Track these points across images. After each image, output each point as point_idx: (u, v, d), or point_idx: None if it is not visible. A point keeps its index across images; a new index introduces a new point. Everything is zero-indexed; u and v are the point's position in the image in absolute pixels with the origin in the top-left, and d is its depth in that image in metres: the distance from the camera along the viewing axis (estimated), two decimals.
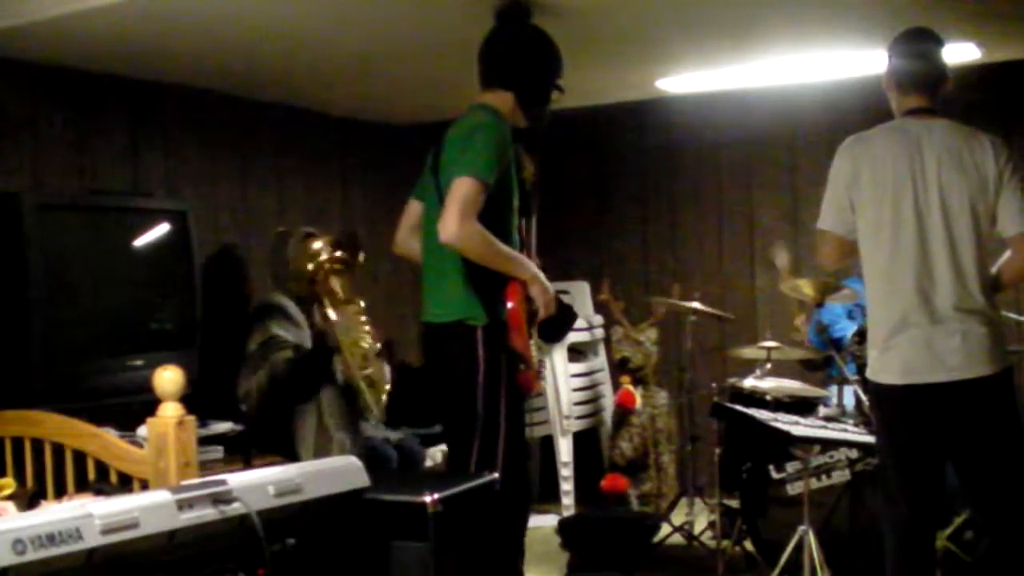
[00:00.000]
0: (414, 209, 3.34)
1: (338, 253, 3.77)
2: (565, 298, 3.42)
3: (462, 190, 2.93)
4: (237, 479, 2.18)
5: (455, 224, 2.90)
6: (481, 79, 3.26)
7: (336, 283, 3.73)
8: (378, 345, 3.84)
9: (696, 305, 4.75)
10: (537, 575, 4.42)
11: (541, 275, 3.14)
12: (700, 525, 4.73)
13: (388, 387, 3.80)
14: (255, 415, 3.93)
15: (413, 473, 4.28)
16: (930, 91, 2.93)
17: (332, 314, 3.69)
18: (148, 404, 2.74)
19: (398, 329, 5.49)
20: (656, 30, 4.07)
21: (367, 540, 2.55)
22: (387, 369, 4.30)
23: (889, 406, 2.90)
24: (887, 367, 2.87)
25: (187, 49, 4.05)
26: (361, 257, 3.89)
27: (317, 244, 3.90)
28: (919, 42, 2.96)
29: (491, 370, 3.06)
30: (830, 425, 3.71)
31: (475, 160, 2.97)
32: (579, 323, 5.01)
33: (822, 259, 3.10)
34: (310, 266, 3.79)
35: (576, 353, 5.43)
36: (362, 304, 3.78)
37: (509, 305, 3.06)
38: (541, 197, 3.41)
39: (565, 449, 5.26)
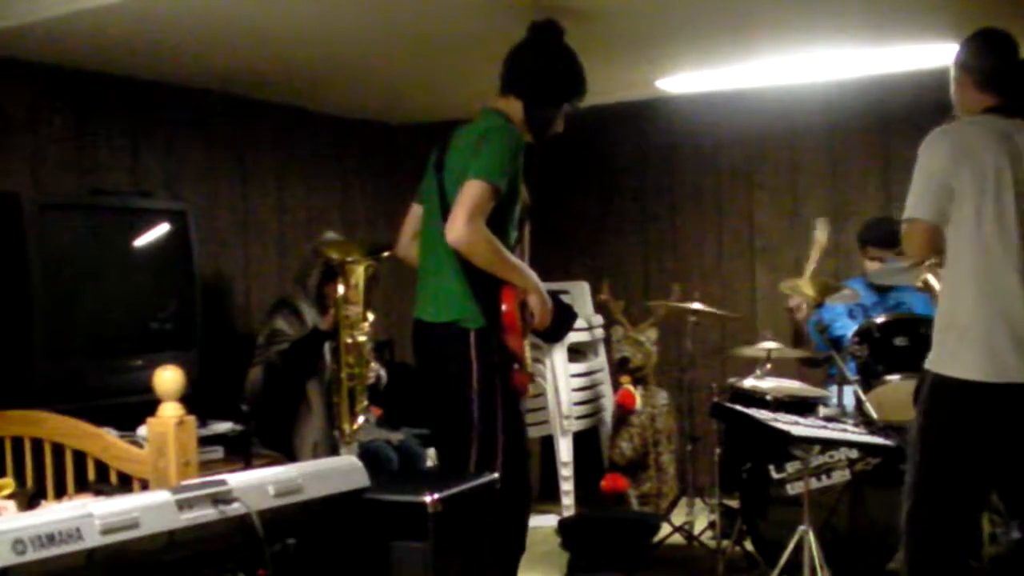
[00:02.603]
0: (416, 213, 3.31)
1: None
2: (565, 298, 3.42)
3: (473, 193, 2.91)
4: (237, 479, 2.18)
5: (463, 226, 2.88)
6: (500, 84, 3.24)
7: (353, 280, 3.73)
8: (371, 345, 3.85)
9: (697, 306, 4.74)
10: (537, 575, 4.42)
11: (542, 286, 3.12)
12: (700, 525, 4.73)
13: (366, 403, 3.80)
14: (254, 406, 3.96)
15: (413, 473, 4.28)
16: (1009, 90, 2.89)
17: (341, 290, 3.69)
18: (148, 404, 2.74)
19: (398, 329, 5.49)
20: (656, 30, 4.06)
21: (367, 540, 2.55)
22: (382, 370, 4.31)
23: (954, 403, 2.79)
24: (962, 361, 2.77)
25: (187, 49, 4.05)
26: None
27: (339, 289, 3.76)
28: (1000, 40, 2.94)
29: (485, 375, 3.03)
30: (830, 425, 3.71)
31: (488, 164, 2.95)
32: (579, 323, 5.01)
33: (912, 250, 2.95)
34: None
35: (576, 353, 5.42)
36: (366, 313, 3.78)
37: (504, 307, 3.04)
38: (541, 196, 3.40)
39: (565, 449, 5.26)
